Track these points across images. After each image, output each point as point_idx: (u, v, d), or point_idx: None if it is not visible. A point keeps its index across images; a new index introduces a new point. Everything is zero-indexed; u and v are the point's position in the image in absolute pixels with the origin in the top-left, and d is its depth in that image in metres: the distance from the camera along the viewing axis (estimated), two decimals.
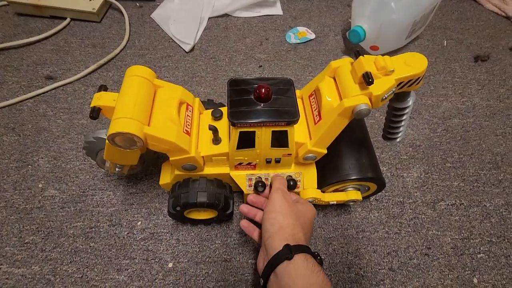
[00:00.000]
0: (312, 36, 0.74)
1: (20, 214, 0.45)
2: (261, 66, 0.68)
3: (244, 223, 0.39)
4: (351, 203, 0.44)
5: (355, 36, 0.65)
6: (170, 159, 0.36)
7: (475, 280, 0.43)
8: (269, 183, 0.40)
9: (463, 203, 0.50)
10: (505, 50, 0.76)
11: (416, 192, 0.50)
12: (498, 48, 0.76)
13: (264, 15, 0.79)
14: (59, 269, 0.41)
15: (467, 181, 0.52)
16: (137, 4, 0.78)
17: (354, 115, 0.32)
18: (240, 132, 0.34)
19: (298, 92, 0.41)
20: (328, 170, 0.41)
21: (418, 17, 0.64)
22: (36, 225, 0.45)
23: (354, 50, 0.33)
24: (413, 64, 0.31)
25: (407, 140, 0.57)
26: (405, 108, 0.36)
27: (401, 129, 0.40)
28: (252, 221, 0.39)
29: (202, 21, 0.75)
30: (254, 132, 0.34)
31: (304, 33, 0.75)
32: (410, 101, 0.36)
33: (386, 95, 0.31)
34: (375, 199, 0.49)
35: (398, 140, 0.42)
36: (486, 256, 0.45)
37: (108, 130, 0.30)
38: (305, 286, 0.28)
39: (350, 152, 0.42)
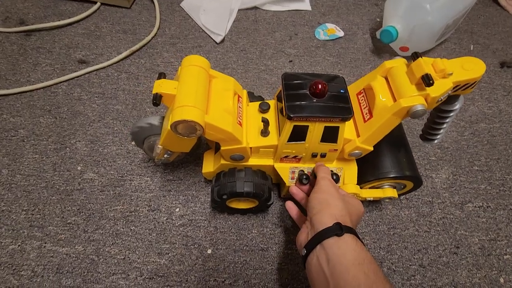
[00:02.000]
0: (341, 33, 0.74)
1: (61, 195, 0.46)
2: (291, 61, 0.68)
3: (290, 203, 0.40)
4: (387, 200, 0.45)
5: (387, 36, 0.65)
6: (222, 148, 0.37)
7: (502, 280, 0.44)
8: (312, 173, 0.41)
9: (490, 206, 0.51)
10: None
11: (444, 193, 0.52)
12: None
13: (293, 10, 0.79)
14: (102, 250, 0.42)
15: (493, 185, 0.54)
16: None
17: (410, 115, 0.32)
18: (294, 126, 0.35)
19: None
20: (367, 167, 0.42)
21: (451, 20, 0.64)
22: (77, 207, 0.46)
23: (415, 52, 0.33)
24: (471, 68, 0.32)
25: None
26: (451, 111, 0.37)
27: (441, 131, 0.41)
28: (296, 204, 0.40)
29: (232, 12, 0.75)
30: (307, 126, 0.35)
31: (333, 30, 0.75)
32: (458, 105, 0.36)
33: (442, 97, 0.32)
34: (406, 198, 0.50)
35: (436, 141, 0.43)
36: None
37: (171, 118, 0.31)
38: (355, 258, 0.28)
39: (389, 150, 0.43)
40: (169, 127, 0.31)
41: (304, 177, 0.40)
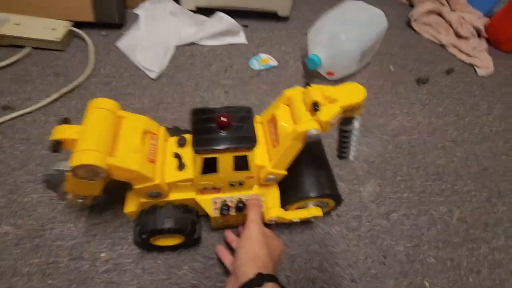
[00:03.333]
0: (274, 63, 0.80)
1: None
2: (226, 91, 0.71)
3: (221, 247, 0.42)
4: (313, 219, 0.46)
5: (312, 63, 0.71)
6: (135, 187, 0.36)
7: (427, 284, 0.47)
8: (235, 206, 0.41)
9: (412, 213, 0.55)
10: (441, 73, 0.87)
11: (371, 205, 0.55)
12: (435, 71, 0.87)
13: (229, 44, 0.83)
14: None
15: (415, 192, 0.58)
16: (103, 33, 0.79)
17: (307, 138, 0.35)
18: (204, 159, 0.36)
19: (259, 118, 0.45)
20: (289, 189, 0.44)
21: (366, 47, 0.72)
22: None
23: (306, 81, 0.37)
24: (354, 93, 0.35)
25: (362, 157, 0.62)
26: (351, 131, 0.41)
27: (351, 148, 0.44)
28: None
29: (169, 49, 0.77)
30: (216, 158, 0.36)
31: (266, 60, 0.80)
32: (356, 124, 0.40)
33: (333, 120, 0.35)
34: (336, 214, 0.53)
35: (351, 158, 0.46)
36: (435, 261, 0.49)
37: (70, 162, 0.30)
38: None
39: (310, 171, 0.45)
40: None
41: (225, 207, 0.40)
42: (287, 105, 0.39)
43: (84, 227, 0.47)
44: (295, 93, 0.38)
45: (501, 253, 0.52)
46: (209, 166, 0.37)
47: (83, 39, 0.75)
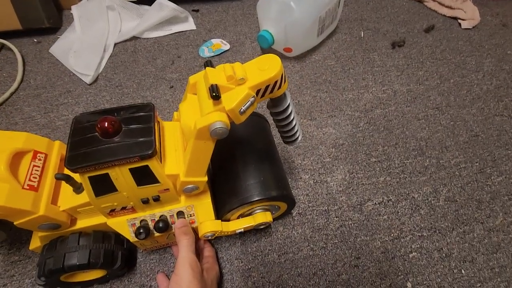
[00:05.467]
0: (227, 46, 0.71)
1: None
2: (172, 86, 0.63)
3: (161, 277, 0.38)
4: (262, 227, 0.39)
5: (264, 41, 0.62)
6: (15, 223, 0.29)
7: (409, 285, 0.39)
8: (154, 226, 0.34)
9: (391, 199, 0.47)
10: (420, 33, 0.76)
11: (341, 197, 0.47)
12: (413, 31, 0.76)
13: (176, 32, 0.74)
14: None
15: (393, 174, 0.50)
16: (35, 40, 0.71)
17: (212, 135, 0.27)
18: (90, 178, 0.28)
19: (176, 115, 0.37)
20: (227, 195, 0.36)
21: (323, 13, 0.62)
22: None
23: (207, 59, 0.28)
24: (266, 67, 0.27)
25: (329, 140, 0.54)
26: (284, 111, 0.32)
27: (295, 129, 0.36)
28: None
29: (108, 48, 0.69)
30: (107, 174, 0.28)
31: (218, 44, 0.71)
32: (287, 102, 0.31)
33: (243, 108, 0.27)
34: (298, 213, 0.45)
35: (298, 140, 0.37)
36: (419, 254, 0.41)
37: None
38: None
39: (249, 170, 0.37)
40: None
41: (141, 231, 0.33)
42: (195, 94, 0.31)
43: (0, 268, 0.40)
44: (200, 78, 0.30)
45: (499, 233, 0.44)
46: (103, 185, 0.29)
47: (12, 50, 0.67)
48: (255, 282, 0.39)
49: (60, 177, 0.29)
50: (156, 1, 0.73)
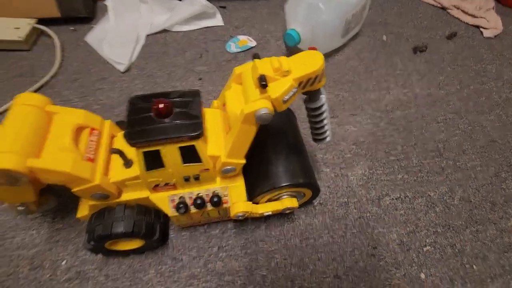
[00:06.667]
0: (253, 43, 0.74)
1: None
2: (200, 78, 0.66)
3: None
4: (288, 211, 0.42)
5: (290, 39, 0.64)
6: (73, 190, 0.33)
7: (423, 276, 0.41)
8: (193, 203, 0.37)
9: (407, 196, 0.49)
10: (442, 39, 0.78)
11: (360, 190, 0.49)
12: (435, 38, 0.78)
13: (205, 27, 0.77)
14: None
15: (411, 173, 0.52)
16: (71, 28, 0.75)
17: (258, 120, 0.30)
18: (144, 153, 0.31)
19: (215, 102, 0.40)
20: (258, 180, 0.39)
21: (350, 16, 0.64)
22: None
23: (254, 53, 0.31)
24: (309, 62, 0.30)
25: (351, 137, 0.56)
26: (319, 108, 0.35)
27: (325, 128, 0.38)
28: None
29: (140, 39, 0.73)
30: (158, 151, 0.31)
31: (245, 41, 0.74)
32: (323, 99, 0.34)
33: (287, 97, 0.30)
34: (319, 203, 0.47)
35: (327, 139, 0.40)
36: (433, 248, 0.44)
37: None
38: None
39: (280, 158, 0.40)
40: None
41: (181, 205, 0.36)
42: (240, 83, 0.34)
43: (47, 234, 0.44)
44: (245, 69, 0.33)
45: (511, 234, 0.46)
46: (154, 161, 0.32)
47: (51, 37, 0.71)
48: (278, 263, 0.42)
49: (116, 152, 0.33)
50: None
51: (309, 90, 0.32)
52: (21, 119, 0.30)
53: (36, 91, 0.62)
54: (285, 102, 0.30)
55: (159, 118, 0.31)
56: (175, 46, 0.73)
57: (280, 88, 0.29)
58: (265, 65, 0.30)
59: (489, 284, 0.41)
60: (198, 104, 0.33)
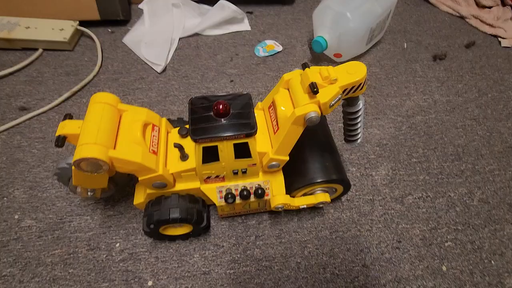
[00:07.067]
0: (280, 48, 0.78)
1: None
2: (232, 80, 0.70)
3: None
4: (321, 205, 0.46)
5: (318, 46, 0.68)
6: (139, 178, 0.37)
7: (444, 268, 0.45)
8: (239, 194, 0.41)
9: (429, 195, 0.52)
10: (461, 48, 0.81)
11: (385, 189, 0.53)
12: (454, 46, 0.81)
13: (233, 32, 0.82)
14: None
15: (431, 174, 0.55)
16: (109, 30, 0.81)
17: (306, 122, 0.34)
18: (203, 148, 0.36)
19: (261, 104, 0.44)
20: (295, 176, 0.43)
21: (374, 24, 0.68)
22: (13, 257, 0.45)
23: (304, 62, 0.35)
24: (353, 72, 0.34)
25: (374, 140, 0.60)
26: (356, 112, 0.39)
27: (358, 131, 0.43)
28: None
29: (173, 42, 0.77)
30: (216, 146, 0.36)
31: (272, 46, 0.78)
32: (360, 105, 0.38)
33: (333, 102, 0.34)
34: (347, 199, 0.51)
35: (358, 141, 0.45)
36: (453, 244, 0.47)
37: (73, 157, 0.31)
38: None
39: (316, 156, 0.44)
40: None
41: (230, 196, 0.40)
42: (287, 89, 0.38)
43: (99, 219, 0.48)
44: (294, 76, 0.37)
45: None
46: (210, 155, 0.36)
47: (90, 38, 0.77)
48: (310, 252, 0.46)
49: (178, 146, 0.37)
50: (218, 2, 0.80)
51: (350, 96, 0.36)
52: (100, 116, 0.35)
53: (81, 89, 0.67)
54: (331, 106, 0.34)
55: (218, 117, 0.35)
56: (207, 50, 0.77)
57: (328, 94, 0.33)
58: (314, 74, 0.34)
59: (506, 278, 0.44)
60: (250, 105, 0.37)
